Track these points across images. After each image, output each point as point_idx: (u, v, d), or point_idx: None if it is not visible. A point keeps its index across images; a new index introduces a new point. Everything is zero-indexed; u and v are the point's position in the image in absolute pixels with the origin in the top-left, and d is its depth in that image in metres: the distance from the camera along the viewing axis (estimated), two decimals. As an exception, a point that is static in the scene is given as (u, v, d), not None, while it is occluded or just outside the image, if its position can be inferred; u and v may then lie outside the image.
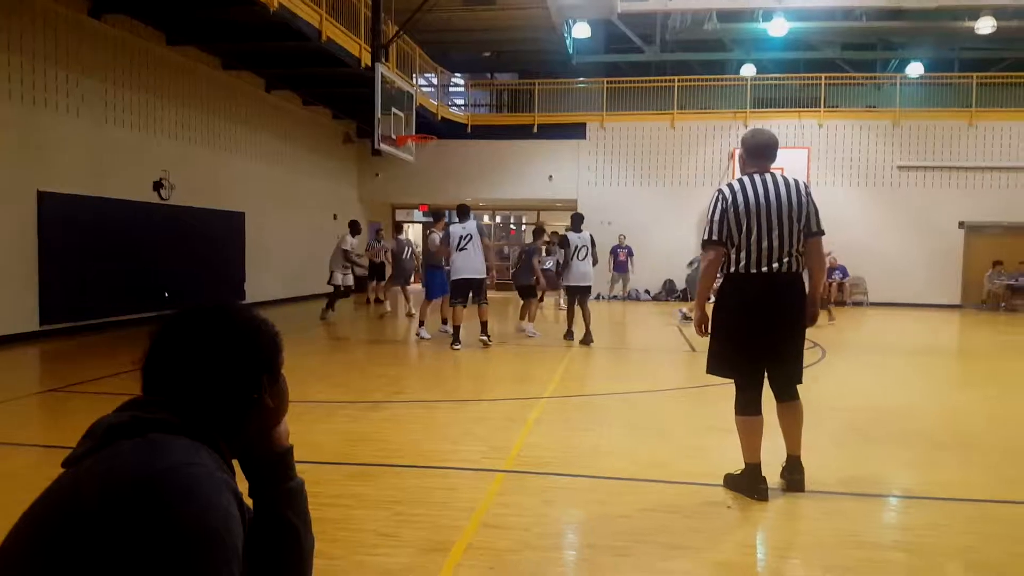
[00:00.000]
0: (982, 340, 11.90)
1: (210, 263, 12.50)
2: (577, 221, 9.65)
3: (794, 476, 3.67)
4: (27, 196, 8.92)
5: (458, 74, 21.76)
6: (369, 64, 11.31)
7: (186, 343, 1.13)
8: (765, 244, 3.47)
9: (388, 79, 10.93)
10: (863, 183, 17.54)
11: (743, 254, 3.51)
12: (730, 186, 3.59)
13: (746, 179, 3.59)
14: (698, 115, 18.45)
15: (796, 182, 3.61)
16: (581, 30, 19.47)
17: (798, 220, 3.52)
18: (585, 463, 4.21)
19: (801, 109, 17.91)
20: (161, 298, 11.18)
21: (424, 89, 17.47)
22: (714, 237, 3.55)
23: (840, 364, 8.42)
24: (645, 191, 18.35)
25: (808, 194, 3.60)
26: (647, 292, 17.87)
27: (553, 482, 3.89)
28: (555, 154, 18.65)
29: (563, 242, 9.57)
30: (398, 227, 14.28)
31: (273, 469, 1.24)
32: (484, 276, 8.75)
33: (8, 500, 3.31)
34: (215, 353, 1.12)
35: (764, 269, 3.49)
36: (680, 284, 17.89)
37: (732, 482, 3.69)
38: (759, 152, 3.66)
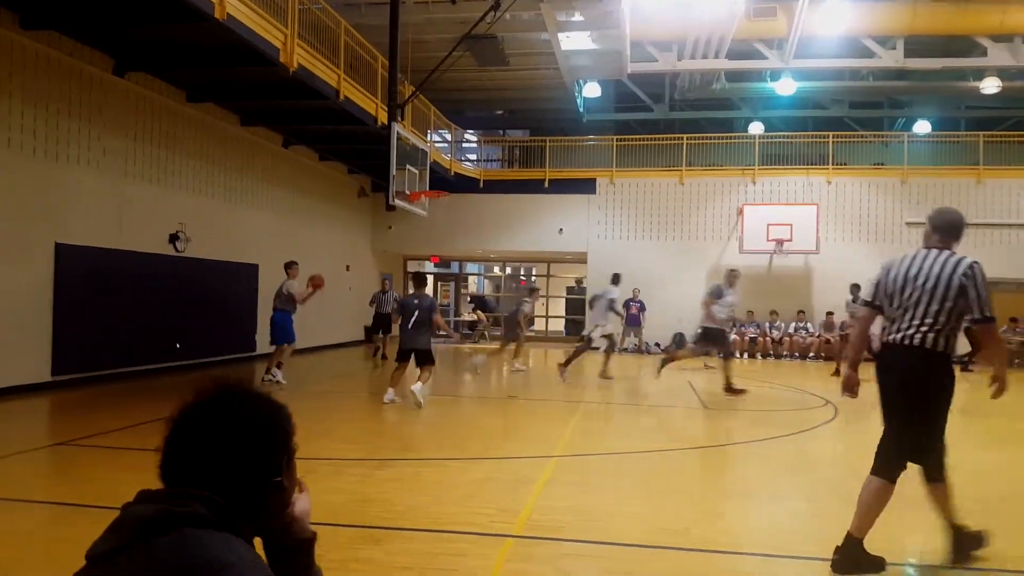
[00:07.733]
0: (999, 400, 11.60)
1: (223, 315, 12.54)
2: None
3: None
4: (45, 248, 9.04)
5: (471, 131, 22.21)
6: (385, 123, 11.54)
7: (208, 433, 1.13)
8: (907, 315, 3.55)
9: (403, 137, 11.14)
10: (872, 239, 17.53)
11: (890, 323, 3.65)
12: (897, 257, 3.75)
13: (911, 252, 3.70)
14: (707, 172, 18.64)
15: (957, 264, 3.49)
16: (592, 89, 19.96)
17: (943, 299, 3.45)
18: (601, 528, 4.09)
19: (809, 167, 18.08)
20: (173, 349, 11.20)
21: (438, 145, 17.78)
22: (866, 299, 3.82)
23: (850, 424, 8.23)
24: (654, 245, 18.43)
25: (968, 277, 3.45)
26: (657, 345, 17.73)
27: (566, 549, 3.77)
28: (565, 208, 18.85)
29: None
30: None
31: (296, 555, 1.25)
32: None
33: (13, 559, 3.23)
34: (238, 442, 1.13)
35: (897, 338, 3.57)
36: (690, 338, 17.70)
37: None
38: (942, 228, 3.69)
